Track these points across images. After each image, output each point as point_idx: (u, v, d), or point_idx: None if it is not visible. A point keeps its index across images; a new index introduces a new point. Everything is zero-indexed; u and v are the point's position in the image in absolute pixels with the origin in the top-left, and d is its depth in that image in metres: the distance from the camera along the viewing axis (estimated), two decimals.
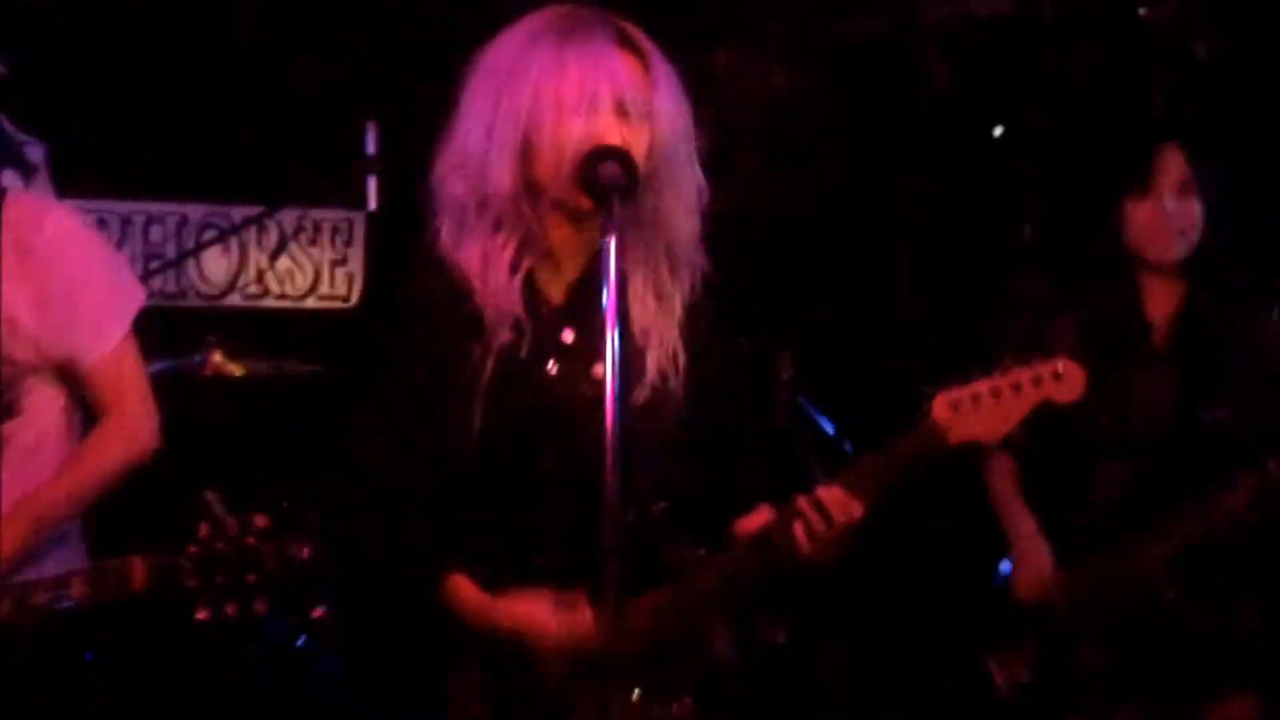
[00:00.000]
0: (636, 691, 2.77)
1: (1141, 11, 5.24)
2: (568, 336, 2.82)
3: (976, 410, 2.68)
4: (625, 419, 2.42)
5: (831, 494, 2.65)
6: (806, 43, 6.00)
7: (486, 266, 2.77)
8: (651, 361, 2.81)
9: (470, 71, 2.78)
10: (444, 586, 2.75)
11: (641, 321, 2.81)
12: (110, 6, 5.26)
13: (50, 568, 3.19)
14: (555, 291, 2.84)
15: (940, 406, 2.67)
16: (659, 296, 2.84)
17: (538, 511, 2.81)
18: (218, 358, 4.57)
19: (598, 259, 2.60)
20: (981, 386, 2.67)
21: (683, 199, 2.80)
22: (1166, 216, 3.70)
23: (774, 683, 4.68)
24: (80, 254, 3.21)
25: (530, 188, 2.73)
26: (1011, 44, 5.56)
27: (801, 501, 2.66)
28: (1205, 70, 5.11)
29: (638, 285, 2.81)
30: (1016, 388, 2.69)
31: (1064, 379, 2.72)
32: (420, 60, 5.29)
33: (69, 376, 3.25)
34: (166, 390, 4.25)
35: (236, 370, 4.59)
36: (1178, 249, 3.72)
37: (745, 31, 5.78)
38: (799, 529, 2.64)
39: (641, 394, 2.78)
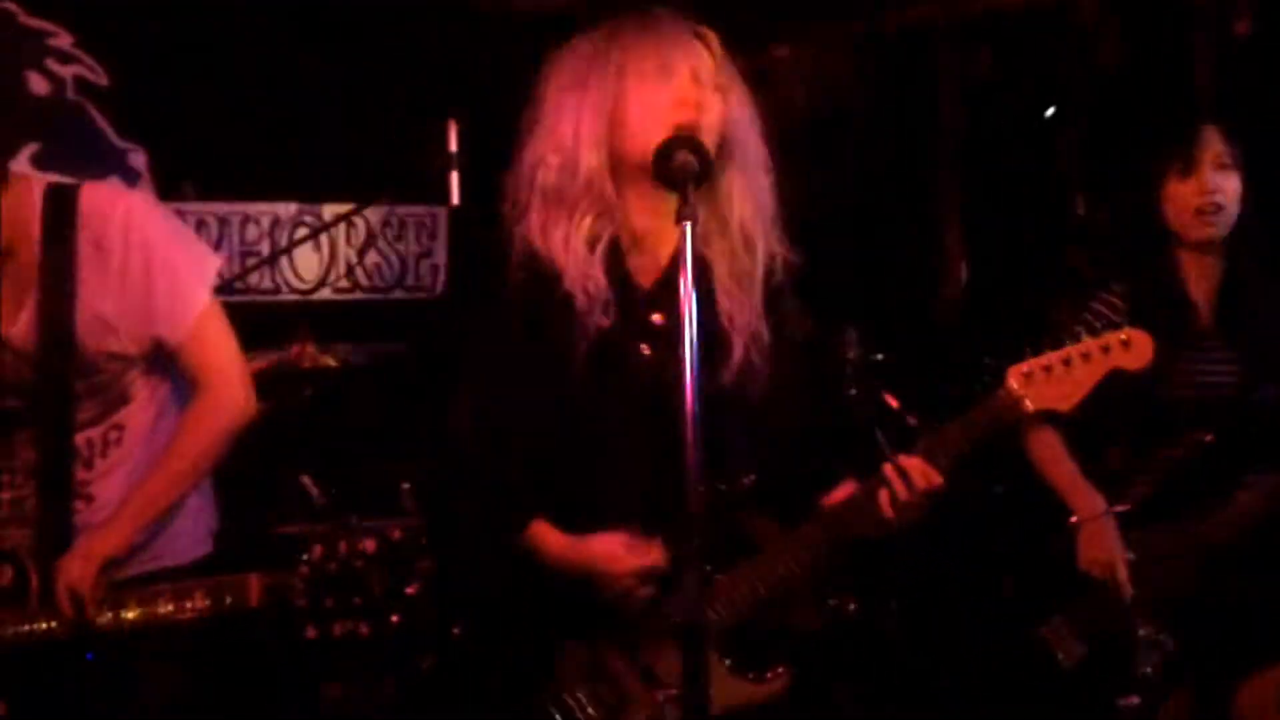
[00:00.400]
0: (727, 662, 2.80)
1: None
2: (657, 319, 2.85)
3: (1049, 379, 2.76)
4: (708, 398, 2.37)
5: (912, 463, 2.71)
6: (861, 35, 6.05)
7: (575, 252, 2.81)
8: (738, 343, 2.85)
9: (553, 66, 2.85)
10: (528, 532, 2.82)
11: (726, 305, 2.85)
12: (204, 19, 5.33)
13: (183, 534, 3.21)
14: (646, 276, 2.88)
15: (1014, 377, 2.74)
16: (740, 281, 2.88)
17: (628, 486, 2.85)
18: (310, 349, 4.62)
19: (676, 238, 2.60)
20: (1053, 357, 2.76)
21: (753, 177, 2.86)
22: (1207, 194, 3.67)
23: (849, 651, 4.76)
24: (149, 236, 3.10)
25: (618, 168, 2.79)
26: (1056, 28, 5.59)
27: (887, 469, 2.71)
28: (1246, 49, 5.11)
29: (720, 272, 2.85)
30: (1086, 356, 2.77)
31: (1132, 347, 2.80)
32: (496, 61, 5.37)
33: (167, 356, 3.17)
34: (262, 380, 4.41)
35: (329, 361, 4.66)
36: (1218, 227, 3.69)
37: (802, 26, 5.82)
38: (884, 496, 2.70)
39: (728, 375, 2.83)
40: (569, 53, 2.88)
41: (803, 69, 5.54)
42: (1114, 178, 4.77)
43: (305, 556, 2.64)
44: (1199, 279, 3.82)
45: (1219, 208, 3.71)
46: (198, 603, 2.98)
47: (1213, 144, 3.73)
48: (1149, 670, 3.69)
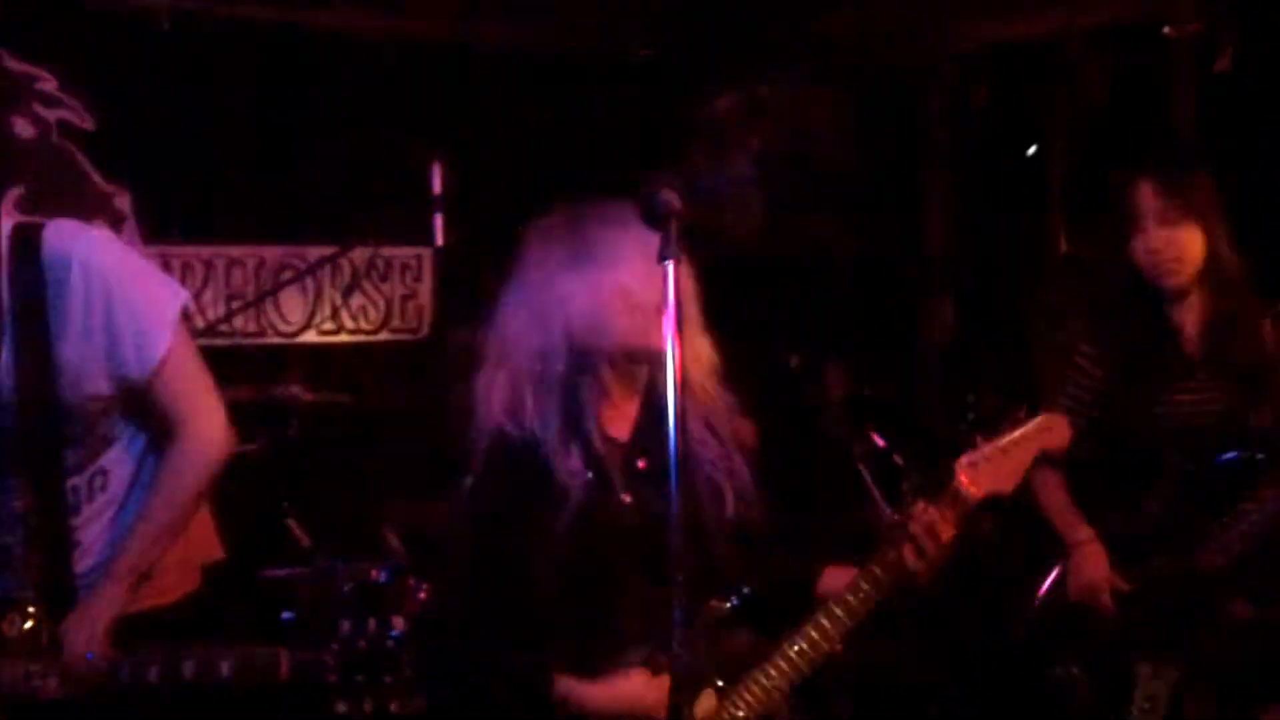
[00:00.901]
0: None
1: (1166, 30, 5.29)
2: (641, 464, 2.99)
3: (989, 465, 2.98)
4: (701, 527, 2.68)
5: (930, 515, 2.90)
6: (857, 73, 6.08)
7: (551, 426, 2.93)
8: (720, 479, 3.01)
9: (533, 240, 3.00)
10: (550, 687, 2.89)
11: (698, 449, 2.99)
12: (189, 63, 5.34)
13: (169, 569, 3.14)
14: (620, 429, 3.02)
15: (963, 470, 2.95)
16: (710, 423, 3.04)
17: (632, 622, 2.94)
18: (296, 389, 4.59)
19: (649, 392, 2.98)
20: (989, 448, 3.00)
21: (697, 338, 2.98)
22: (1154, 252, 3.70)
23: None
24: (109, 272, 3.04)
25: (594, 353, 2.95)
26: (1044, 66, 5.61)
27: (913, 526, 2.89)
28: (1228, 85, 5.14)
29: (694, 423, 2.95)
30: (1016, 444, 3.02)
31: (1053, 430, 3.07)
32: (478, 103, 5.38)
33: (137, 399, 3.12)
34: (249, 420, 4.39)
35: (313, 397, 4.61)
36: (1180, 275, 3.71)
37: (806, 65, 5.87)
38: (909, 552, 2.88)
39: (725, 506, 2.98)
40: (543, 233, 3.01)
41: (793, 107, 5.53)
42: (1100, 218, 4.66)
43: (341, 630, 2.69)
44: (1184, 314, 3.82)
45: (1173, 259, 3.73)
46: (224, 672, 2.95)
47: (1149, 200, 3.74)
48: (1148, 706, 3.75)
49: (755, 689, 2.94)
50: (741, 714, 2.89)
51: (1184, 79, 5.32)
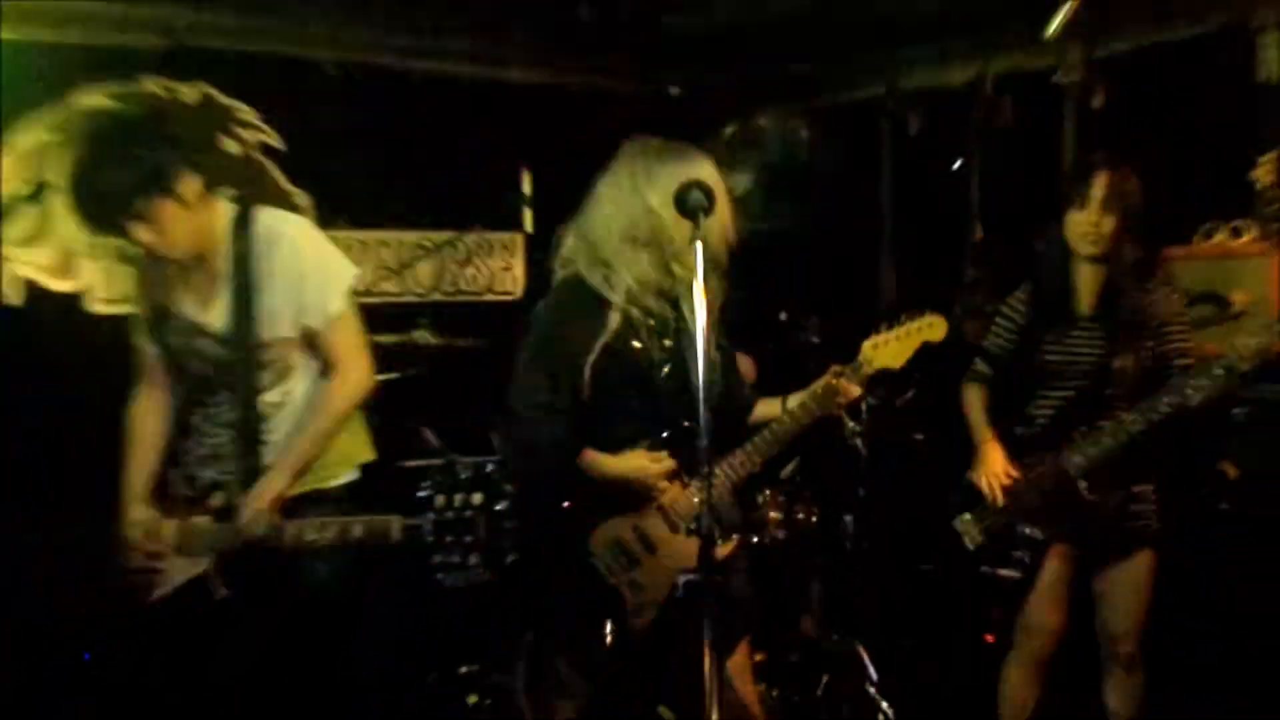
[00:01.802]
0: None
1: (1056, 78, 5.21)
2: (650, 321, 3.12)
3: (886, 347, 3.20)
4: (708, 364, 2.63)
5: (843, 375, 3.18)
6: (824, 107, 6.05)
7: (612, 284, 3.07)
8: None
9: (602, 176, 3.12)
10: (586, 458, 3.05)
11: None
12: (349, 100, 5.36)
13: (333, 463, 3.23)
14: (644, 299, 3.12)
15: (867, 347, 3.21)
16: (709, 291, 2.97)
17: (639, 415, 3.11)
18: (425, 334, 4.67)
19: (669, 278, 3.10)
20: (886, 335, 3.20)
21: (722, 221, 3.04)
22: (1093, 225, 3.62)
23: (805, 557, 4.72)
24: (306, 255, 3.10)
25: (636, 240, 3.07)
26: (964, 104, 5.54)
27: (831, 380, 3.17)
28: (1101, 119, 5.08)
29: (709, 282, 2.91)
30: (907, 332, 3.20)
31: (933, 326, 3.23)
32: (556, 127, 5.48)
33: (313, 341, 3.17)
34: (392, 355, 4.40)
35: (436, 341, 4.71)
36: (1095, 248, 3.64)
37: (778, 99, 5.82)
38: (826, 395, 3.16)
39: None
40: (611, 169, 3.13)
41: (783, 132, 5.49)
42: (1016, 211, 4.75)
43: (432, 505, 2.69)
44: (1086, 281, 3.76)
45: (1101, 235, 3.64)
46: (357, 533, 3.00)
47: (1100, 188, 3.65)
48: (1025, 556, 3.78)
49: (724, 468, 3.11)
50: (695, 500, 2.99)
51: (1069, 113, 5.21)
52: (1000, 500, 3.76)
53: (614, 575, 3.07)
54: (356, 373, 3.16)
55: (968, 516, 3.83)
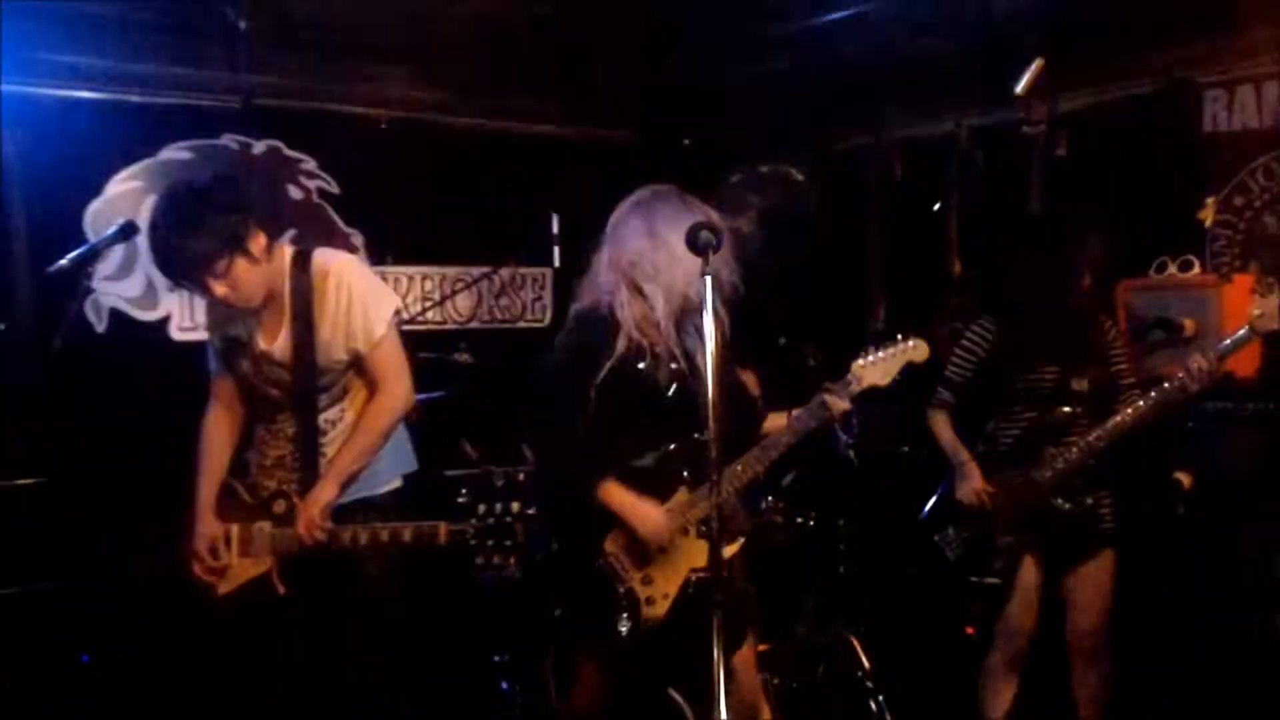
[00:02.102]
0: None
1: (1024, 129, 5.22)
2: (657, 348, 3.09)
3: (874, 366, 3.13)
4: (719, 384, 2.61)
5: (834, 392, 3.11)
6: (818, 156, 6.03)
7: (639, 315, 3.05)
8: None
9: (613, 219, 3.11)
10: (603, 491, 2.98)
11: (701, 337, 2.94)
12: (397, 151, 5.37)
13: (380, 473, 3.23)
14: (654, 330, 3.11)
15: (856, 367, 3.13)
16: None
17: (645, 437, 3.06)
18: (465, 356, 4.68)
19: (680, 313, 3.10)
20: (873, 356, 3.14)
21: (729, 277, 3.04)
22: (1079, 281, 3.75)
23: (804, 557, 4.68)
24: (355, 289, 3.12)
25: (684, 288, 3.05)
26: (944, 152, 5.54)
27: (823, 397, 3.10)
28: (1064, 166, 5.06)
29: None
30: (893, 354, 3.14)
31: (917, 348, 3.15)
32: (579, 175, 5.46)
33: (360, 364, 3.18)
34: (434, 376, 4.40)
35: (476, 362, 4.73)
36: (1076, 296, 3.76)
37: (778, 149, 5.82)
38: (820, 411, 3.09)
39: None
40: (629, 213, 3.11)
41: (776, 179, 5.49)
42: (990, 246, 4.83)
43: (477, 512, 2.75)
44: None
45: (1080, 288, 3.78)
46: (406, 537, 2.98)
47: (1090, 251, 3.79)
48: (1001, 563, 3.76)
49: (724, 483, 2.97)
50: (704, 504, 2.93)
51: (1035, 161, 5.18)
52: (986, 510, 3.75)
53: (628, 573, 3.04)
54: (398, 389, 3.17)
55: (950, 531, 3.82)
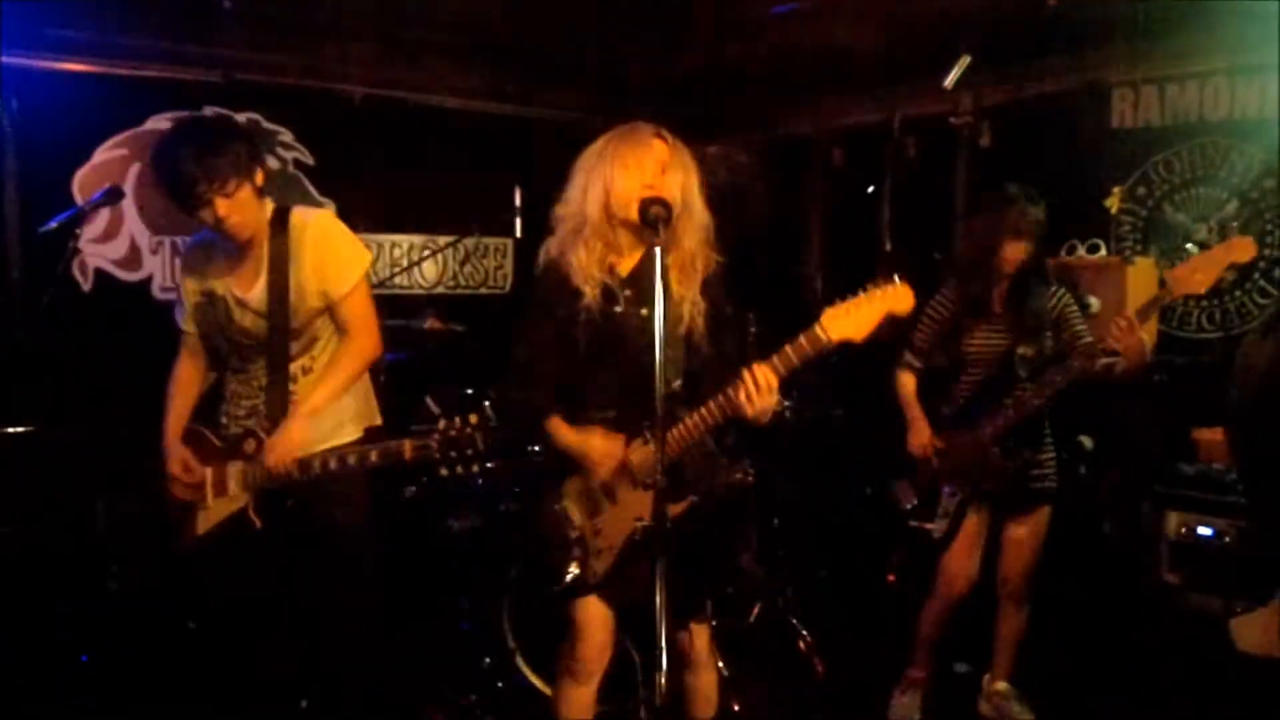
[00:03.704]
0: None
1: (951, 120, 5.24)
2: (628, 293, 2.84)
3: (847, 317, 2.55)
4: (664, 341, 2.43)
5: (759, 370, 2.61)
6: (764, 140, 6.07)
7: (581, 262, 2.83)
8: (685, 309, 2.86)
9: (579, 158, 2.86)
10: (551, 425, 2.84)
11: (678, 288, 2.85)
12: (371, 126, 5.33)
13: (345, 424, 3.22)
14: (623, 270, 2.88)
15: (826, 316, 2.57)
16: (685, 276, 2.87)
17: (609, 392, 2.84)
18: (432, 321, 4.61)
19: (647, 254, 2.80)
20: (847, 304, 2.56)
21: (694, 222, 2.84)
22: (1026, 250, 3.66)
23: (743, 509, 4.65)
24: (328, 236, 3.14)
25: (609, 217, 2.80)
26: (878, 140, 5.57)
27: (743, 373, 2.61)
28: (987, 154, 5.14)
29: (675, 270, 2.84)
30: (870, 300, 2.55)
31: (900, 295, 2.56)
32: (541, 150, 5.47)
33: (333, 311, 3.18)
34: (401, 338, 4.35)
35: (442, 326, 4.64)
36: (1008, 268, 3.69)
37: (728, 134, 5.83)
38: (740, 391, 2.61)
39: (680, 327, 2.84)
40: (587, 151, 2.86)
41: (724, 160, 5.48)
42: (919, 227, 4.82)
43: (439, 424, 2.75)
44: (998, 284, 3.79)
45: (1024, 257, 3.71)
46: (373, 458, 2.96)
47: (1031, 222, 3.68)
48: (948, 512, 3.78)
49: (678, 432, 2.76)
50: (666, 447, 2.62)
51: (961, 149, 5.30)
52: (934, 463, 3.78)
53: (579, 522, 2.92)
54: (367, 338, 3.17)
55: (905, 482, 3.86)
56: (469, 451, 2.74)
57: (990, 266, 3.72)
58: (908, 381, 3.92)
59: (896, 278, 2.57)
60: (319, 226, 3.14)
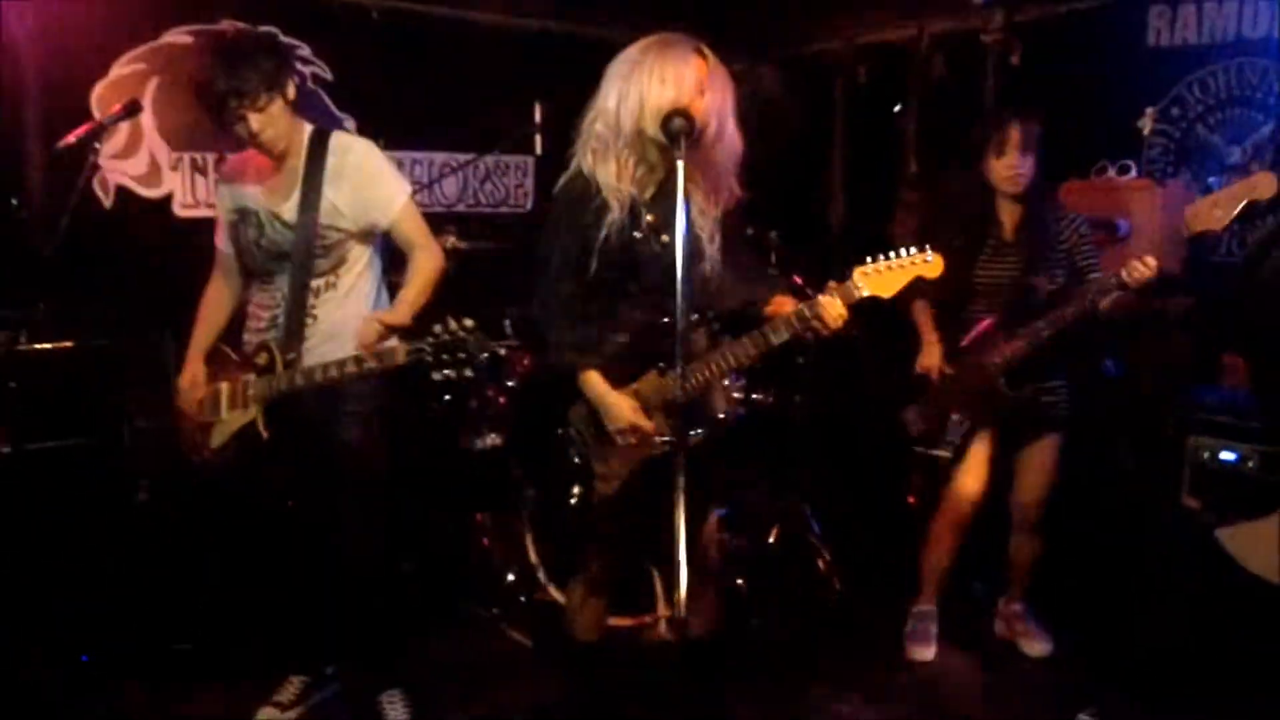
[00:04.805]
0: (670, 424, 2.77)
1: (982, 37, 5.11)
2: (650, 216, 2.77)
3: (879, 276, 2.72)
4: (686, 267, 2.40)
5: (833, 292, 2.71)
6: (787, 57, 5.93)
7: (615, 175, 2.75)
8: (703, 234, 2.79)
9: (612, 65, 2.75)
10: (586, 375, 2.82)
11: (697, 216, 2.77)
12: (389, 40, 5.23)
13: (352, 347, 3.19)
14: (647, 191, 2.80)
15: (858, 273, 2.73)
16: (707, 201, 2.80)
17: (621, 313, 2.82)
18: (452, 239, 4.54)
19: (671, 175, 2.68)
20: (883, 263, 2.74)
21: (725, 148, 2.75)
22: (1013, 168, 3.61)
23: (760, 431, 4.64)
24: (371, 164, 3.18)
25: (640, 132, 2.70)
26: (904, 58, 5.44)
27: (825, 294, 2.70)
28: (1017, 73, 5.02)
29: (698, 197, 2.75)
30: (902, 265, 2.74)
31: (931, 262, 2.76)
32: (563, 70, 5.28)
33: (372, 238, 3.24)
34: None
35: (462, 245, 4.59)
36: (1017, 187, 3.64)
37: (750, 51, 5.69)
38: (819, 308, 2.69)
39: (699, 259, 2.77)
40: (620, 58, 2.76)
41: (747, 79, 5.36)
42: (945, 152, 4.64)
43: (434, 329, 2.78)
44: (1007, 214, 3.74)
45: (1020, 175, 3.63)
46: (370, 364, 2.95)
47: (1016, 135, 3.60)
48: (956, 439, 3.77)
49: (698, 371, 2.78)
50: (686, 384, 2.65)
51: (991, 68, 5.14)
52: (940, 389, 3.76)
53: (587, 446, 2.90)
54: (433, 246, 3.28)
55: (913, 408, 3.83)
56: (461, 355, 2.75)
57: (985, 188, 3.68)
58: (922, 306, 3.86)
59: (930, 250, 2.77)
60: (362, 154, 3.18)
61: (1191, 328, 4.27)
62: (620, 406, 2.78)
